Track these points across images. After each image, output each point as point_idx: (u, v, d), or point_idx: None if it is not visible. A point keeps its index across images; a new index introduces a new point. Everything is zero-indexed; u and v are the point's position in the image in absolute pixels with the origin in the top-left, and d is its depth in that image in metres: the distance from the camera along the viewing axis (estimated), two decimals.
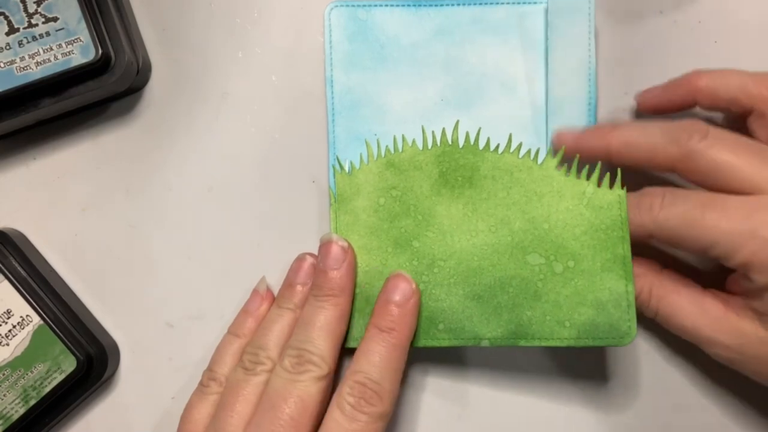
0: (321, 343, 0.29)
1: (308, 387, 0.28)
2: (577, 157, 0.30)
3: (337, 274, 0.30)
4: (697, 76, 0.30)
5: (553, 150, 0.32)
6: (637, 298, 0.30)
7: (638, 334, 0.33)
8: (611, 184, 0.30)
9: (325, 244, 0.31)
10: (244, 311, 0.32)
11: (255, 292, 0.33)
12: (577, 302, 0.29)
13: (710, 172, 0.27)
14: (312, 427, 0.28)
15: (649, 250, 0.32)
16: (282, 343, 0.30)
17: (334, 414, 0.28)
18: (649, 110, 0.32)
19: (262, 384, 0.29)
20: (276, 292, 0.33)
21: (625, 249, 0.29)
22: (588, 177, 0.30)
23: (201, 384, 0.31)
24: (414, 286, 0.30)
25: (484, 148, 0.31)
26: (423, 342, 0.31)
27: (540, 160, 0.30)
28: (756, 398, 0.33)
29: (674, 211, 0.28)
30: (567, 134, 0.31)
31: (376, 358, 0.29)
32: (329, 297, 0.30)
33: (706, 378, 0.33)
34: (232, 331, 0.32)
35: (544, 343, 0.30)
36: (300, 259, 0.32)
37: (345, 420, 0.28)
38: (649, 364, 0.33)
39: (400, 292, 0.30)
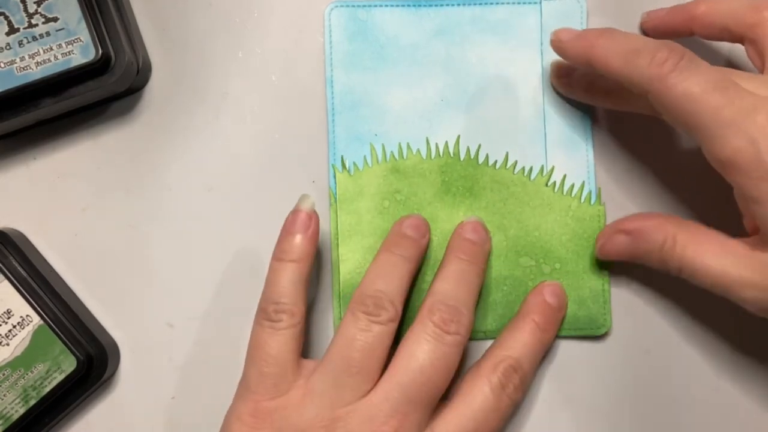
0: (471, 307, 0.29)
1: (453, 356, 0.28)
2: (564, 175, 0.33)
3: (480, 249, 0.31)
4: (696, 2, 0.30)
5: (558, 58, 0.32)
6: (661, 249, 0.29)
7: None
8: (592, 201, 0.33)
9: (474, 222, 0.32)
10: (290, 233, 0.30)
11: (299, 211, 0.30)
12: None
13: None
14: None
15: None
16: (401, 288, 0.29)
17: (484, 388, 0.29)
18: (651, 30, 0.33)
19: (387, 336, 0.28)
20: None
21: None
22: (572, 194, 0.33)
23: (267, 319, 0.29)
24: (564, 311, 0.32)
25: (483, 162, 0.33)
26: None
27: (533, 176, 0.33)
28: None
29: (685, 79, 0.26)
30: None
31: (526, 348, 0.30)
32: (474, 264, 0.30)
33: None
34: (282, 257, 0.29)
35: None
36: (410, 216, 0.31)
37: (493, 395, 0.29)
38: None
39: (553, 295, 0.32)
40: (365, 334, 0.28)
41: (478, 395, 0.28)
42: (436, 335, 0.28)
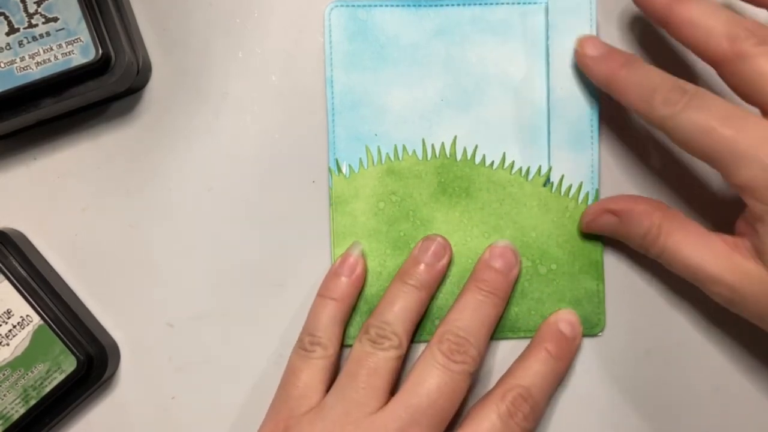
0: (482, 339, 0.30)
1: (461, 383, 0.29)
2: (562, 176, 0.33)
3: (504, 279, 0.31)
4: (682, 3, 0.29)
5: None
6: (645, 235, 0.30)
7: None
8: (589, 202, 0.33)
9: (503, 248, 0.32)
10: (336, 273, 0.32)
11: (348, 254, 0.32)
12: (558, 299, 0.33)
13: (752, 82, 0.27)
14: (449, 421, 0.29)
15: None
16: (407, 320, 0.30)
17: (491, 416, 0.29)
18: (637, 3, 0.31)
19: (391, 360, 0.29)
20: (278, 297, 0.33)
21: (599, 255, 0.33)
22: (569, 195, 0.33)
23: (303, 349, 0.31)
24: (579, 340, 0.32)
25: (480, 163, 0.33)
26: (421, 337, 0.33)
27: (530, 177, 0.33)
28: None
29: (696, 116, 0.27)
30: None
31: (538, 377, 0.30)
32: (492, 295, 0.31)
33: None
34: (325, 294, 0.31)
35: (529, 335, 0.33)
36: (429, 238, 0.32)
37: (500, 422, 0.29)
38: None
39: (568, 324, 0.32)
40: (370, 356, 0.29)
41: (485, 422, 0.29)
42: (443, 363, 0.29)
